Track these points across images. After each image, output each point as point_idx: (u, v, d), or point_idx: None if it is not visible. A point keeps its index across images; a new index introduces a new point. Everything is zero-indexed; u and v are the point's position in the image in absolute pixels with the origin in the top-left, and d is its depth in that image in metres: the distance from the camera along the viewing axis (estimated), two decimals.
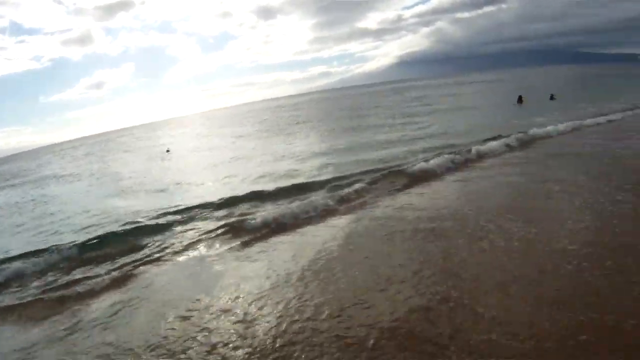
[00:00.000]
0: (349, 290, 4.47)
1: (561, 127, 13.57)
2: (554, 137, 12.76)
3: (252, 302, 4.56)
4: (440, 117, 22.38)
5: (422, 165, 10.04)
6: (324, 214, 7.72)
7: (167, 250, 6.98)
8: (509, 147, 11.65)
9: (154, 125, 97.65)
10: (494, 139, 12.42)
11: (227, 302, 4.67)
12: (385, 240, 5.83)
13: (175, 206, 9.83)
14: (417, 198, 7.85)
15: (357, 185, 9.01)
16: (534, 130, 13.05)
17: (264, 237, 6.92)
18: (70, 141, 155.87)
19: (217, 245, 6.88)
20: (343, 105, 49.01)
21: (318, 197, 8.48)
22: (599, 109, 17.55)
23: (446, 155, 10.60)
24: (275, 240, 6.74)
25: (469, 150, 11.02)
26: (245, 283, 5.11)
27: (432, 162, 10.21)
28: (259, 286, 4.93)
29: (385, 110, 32.09)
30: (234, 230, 7.41)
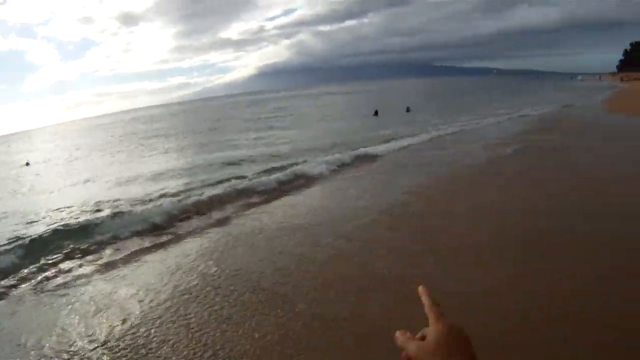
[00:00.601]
0: None
1: (393, 145, 13.14)
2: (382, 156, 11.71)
3: None
4: (289, 132, 21.13)
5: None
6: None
7: None
8: (338, 166, 10.40)
9: (9, 138, 79.90)
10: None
11: None
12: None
13: None
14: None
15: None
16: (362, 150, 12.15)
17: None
18: None
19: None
20: (199, 118, 46.86)
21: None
22: (444, 121, 18.92)
23: (272, 176, 9.45)
24: None
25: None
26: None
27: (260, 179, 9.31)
28: None
29: (240, 124, 30.66)
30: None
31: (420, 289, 0.59)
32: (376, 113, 25.29)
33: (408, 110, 26.24)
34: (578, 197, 6.10)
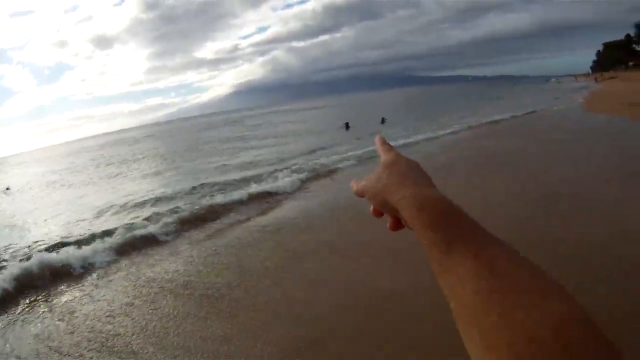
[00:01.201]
0: None
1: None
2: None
3: None
4: (254, 150, 20.04)
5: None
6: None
7: None
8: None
9: None
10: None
11: None
12: None
13: None
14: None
15: None
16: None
17: None
18: None
19: None
20: (174, 140, 45.34)
21: None
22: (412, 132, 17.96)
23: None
24: None
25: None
26: None
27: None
28: None
29: (211, 145, 28.43)
30: None
31: (376, 138, 0.56)
32: (347, 126, 24.73)
33: (383, 121, 25.68)
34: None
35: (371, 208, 0.49)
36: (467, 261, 0.33)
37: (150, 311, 4.02)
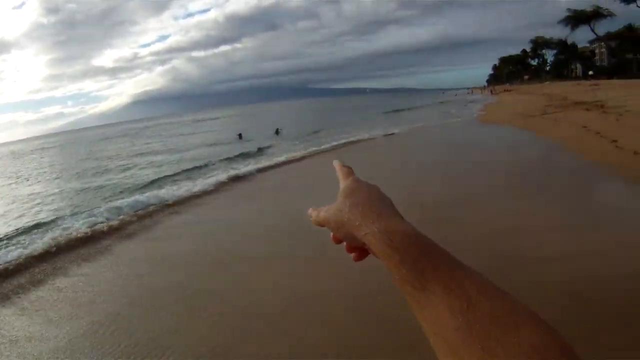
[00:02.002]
0: None
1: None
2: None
3: None
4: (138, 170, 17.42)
5: None
6: None
7: None
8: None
9: None
10: None
11: None
12: None
13: None
14: None
15: None
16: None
17: None
18: None
19: None
20: (64, 155, 39.55)
21: None
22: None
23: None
24: None
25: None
26: None
27: None
28: None
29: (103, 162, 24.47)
30: None
31: (335, 162, 0.55)
32: (240, 136, 24.99)
33: (277, 132, 25.72)
34: None
35: (331, 235, 0.47)
36: (444, 299, 0.34)
37: None
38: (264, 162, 13.49)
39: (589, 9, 60.28)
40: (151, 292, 4.39)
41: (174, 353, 3.14)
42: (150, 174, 14.79)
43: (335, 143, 16.96)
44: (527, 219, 5.25)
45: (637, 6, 52.91)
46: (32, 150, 58.81)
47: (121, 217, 7.91)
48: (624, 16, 65.62)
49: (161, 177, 13.24)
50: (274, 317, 3.53)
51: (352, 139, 17.95)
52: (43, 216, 9.53)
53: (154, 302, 4.09)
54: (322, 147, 16.18)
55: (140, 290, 4.53)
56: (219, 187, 10.08)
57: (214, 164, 14.88)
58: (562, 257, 4.06)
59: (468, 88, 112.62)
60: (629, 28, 56.98)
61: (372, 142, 16.82)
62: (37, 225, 8.29)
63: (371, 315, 3.35)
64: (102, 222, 7.58)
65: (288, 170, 12.09)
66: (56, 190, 14.32)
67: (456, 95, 79.68)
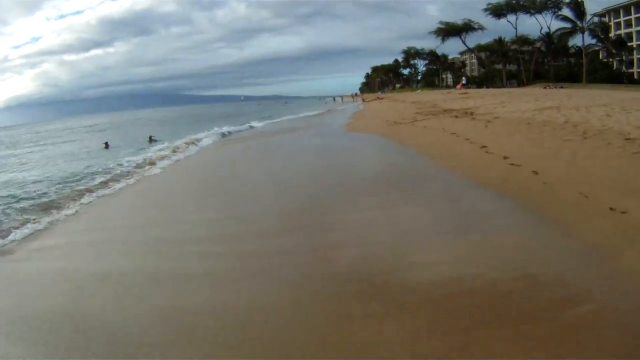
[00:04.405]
0: None
1: None
2: None
3: None
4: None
5: None
6: None
7: None
8: None
9: None
10: None
11: None
12: None
13: None
14: None
15: None
16: None
17: None
18: None
19: None
20: None
21: None
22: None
23: None
24: None
25: None
26: None
27: None
28: None
29: None
30: None
31: None
32: (107, 146, 23.14)
33: (151, 140, 24.24)
34: None
35: None
36: None
37: None
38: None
39: (459, 22, 66.44)
40: None
41: None
42: None
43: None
44: (385, 227, 5.44)
45: (507, 21, 60.36)
46: None
47: None
48: (494, 30, 72.78)
49: None
50: None
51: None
52: None
53: None
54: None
55: None
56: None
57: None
58: (431, 263, 4.16)
59: (340, 95, 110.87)
60: (499, 41, 64.35)
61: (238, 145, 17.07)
62: None
63: None
64: None
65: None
66: None
67: (326, 102, 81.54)
